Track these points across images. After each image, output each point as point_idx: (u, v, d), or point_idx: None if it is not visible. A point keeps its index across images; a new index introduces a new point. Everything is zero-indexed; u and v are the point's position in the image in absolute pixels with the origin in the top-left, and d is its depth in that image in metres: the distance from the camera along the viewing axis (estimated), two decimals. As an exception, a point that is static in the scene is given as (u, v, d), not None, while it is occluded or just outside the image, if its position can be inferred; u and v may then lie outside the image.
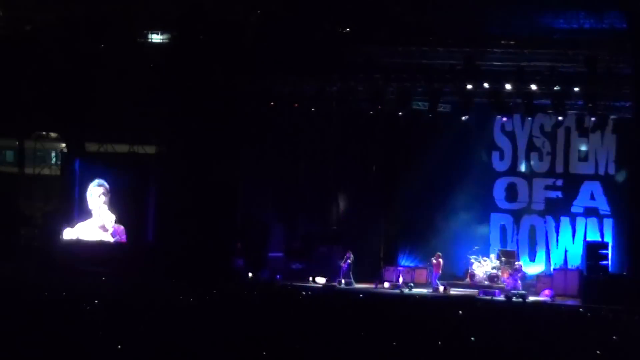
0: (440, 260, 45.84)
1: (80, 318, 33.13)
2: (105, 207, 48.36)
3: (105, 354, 25.47)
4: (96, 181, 48.63)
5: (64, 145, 55.03)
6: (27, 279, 43.37)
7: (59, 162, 55.94)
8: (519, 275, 45.02)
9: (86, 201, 48.89)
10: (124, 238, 48.22)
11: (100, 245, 48.51)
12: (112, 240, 48.47)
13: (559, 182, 48.01)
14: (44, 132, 60.77)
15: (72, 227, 49.02)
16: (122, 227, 48.39)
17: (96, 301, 37.25)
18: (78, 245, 48.59)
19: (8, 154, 63.69)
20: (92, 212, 48.81)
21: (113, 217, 48.41)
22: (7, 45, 62.04)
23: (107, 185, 48.39)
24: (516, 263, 46.04)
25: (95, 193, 48.55)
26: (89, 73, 53.10)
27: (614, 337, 33.43)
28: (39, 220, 52.64)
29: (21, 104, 56.45)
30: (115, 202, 48.53)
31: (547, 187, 48.16)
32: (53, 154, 60.70)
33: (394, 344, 29.38)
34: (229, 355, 26.68)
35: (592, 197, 47.35)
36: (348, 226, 49.95)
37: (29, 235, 52.42)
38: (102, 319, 33.09)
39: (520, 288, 44.18)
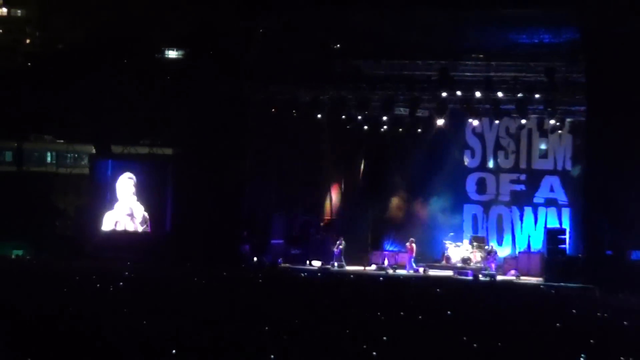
0: (414, 245, 46.11)
1: (106, 298, 33.24)
2: (135, 197, 48.50)
3: (129, 328, 25.49)
4: (127, 173, 48.73)
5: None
6: (50, 265, 43.43)
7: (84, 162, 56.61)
8: (495, 257, 45.33)
9: (115, 192, 48.91)
10: (149, 226, 48.30)
11: (128, 234, 48.66)
12: (140, 227, 48.60)
13: (523, 177, 48.30)
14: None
15: (103, 216, 49.10)
16: (147, 216, 48.57)
17: (121, 283, 37.36)
18: (108, 235, 48.71)
19: (48, 156, 64.07)
20: (120, 201, 48.85)
21: (142, 207, 48.47)
22: (44, 61, 62.15)
23: (135, 179, 48.41)
24: (490, 247, 46.44)
25: (126, 184, 48.66)
26: (114, 85, 53.28)
27: (573, 310, 33.57)
28: (72, 213, 52.69)
29: (55, 112, 56.79)
30: (138, 196, 48.59)
31: (512, 181, 48.43)
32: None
33: (382, 318, 29.47)
34: (237, 328, 26.73)
35: (552, 190, 47.65)
36: (340, 216, 50.13)
37: (63, 226, 52.50)
38: (126, 298, 33.23)
39: (494, 269, 44.39)
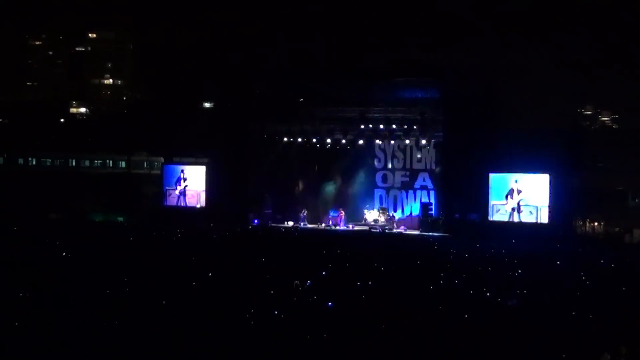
0: (342, 213, 46.31)
1: (171, 244, 33.42)
2: (186, 186, 48.48)
3: (180, 263, 25.73)
4: (181, 173, 49.01)
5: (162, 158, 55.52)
6: (139, 225, 43.73)
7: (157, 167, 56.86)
8: (396, 220, 45.60)
9: (175, 183, 49.02)
10: (195, 202, 48.37)
11: (182, 208, 48.59)
12: (189, 203, 48.58)
13: (407, 173, 48.29)
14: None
15: (170, 197, 49.14)
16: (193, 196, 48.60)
17: (179, 235, 37.52)
18: (171, 208, 48.74)
19: (144, 163, 64.72)
20: (177, 188, 48.89)
21: (191, 191, 48.42)
22: (134, 110, 62.51)
23: (186, 175, 48.62)
24: (392, 214, 46.70)
25: (181, 178, 48.74)
26: (175, 123, 53.89)
27: (435, 247, 34.02)
28: (151, 196, 52.72)
29: (144, 139, 57.23)
30: (188, 185, 48.70)
31: (402, 175, 48.40)
32: (156, 163, 61.49)
33: (324, 252, 29.78)
34: (249, 255, 27.17)
35: (424, 180, 47.65)
36: (304, 198, 49.98)
37: (146, 204, 52.57)
38: (182, 243, 33.45)
39: (395, 226, 44.77)
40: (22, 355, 13.10)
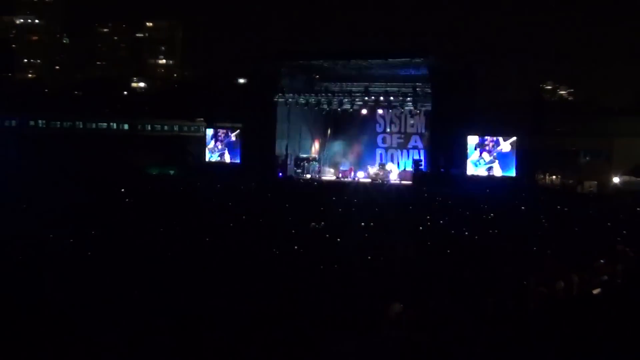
0: (352, 167, 46.28)
1: (212, 192, 33.42)
2: (224, 145, 48.38)
3: (219, 208, 25.75)
4: (220, 135, 48.72)
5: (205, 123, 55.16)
6: (186, 177, 43.73)
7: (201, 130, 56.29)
8: (390, 172, 45.35)
9: (214, 142, 48.84)
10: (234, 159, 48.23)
11: (221, 163, 48.37)
12: (227, 160, 48.30)
13: (402, 136, 48.04)
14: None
15: (212, 155, 48.94)
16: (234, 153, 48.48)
17: (218, 185, 37.57)
18: (211, 163, 48.56)
19: (186, 128, 63.91)
20: (217, 147, 48.72)
21: (232, 150, 48.36)
22: (179, 86, 61.84)
23: (224, 137, 48.44)
24: (390, 169, 46.24)
25: (220, 139, 48.59)
26: (214, 95, 53.33)
27: (425, 195, 33.91)
28: (194, 153, 52.59)
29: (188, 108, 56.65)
30: (226, 145, 48.61)
31: (398, 138, 48.16)
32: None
33: (333, 199, 29.76)
34: (271, 204, 27.14)
35: (416, 141, 47.46)
36: (319, 154, 49.59)
37: (190, 159, 52.51)
38: (221, 192, 33.49)
39: (389, 178, 44.58)
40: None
